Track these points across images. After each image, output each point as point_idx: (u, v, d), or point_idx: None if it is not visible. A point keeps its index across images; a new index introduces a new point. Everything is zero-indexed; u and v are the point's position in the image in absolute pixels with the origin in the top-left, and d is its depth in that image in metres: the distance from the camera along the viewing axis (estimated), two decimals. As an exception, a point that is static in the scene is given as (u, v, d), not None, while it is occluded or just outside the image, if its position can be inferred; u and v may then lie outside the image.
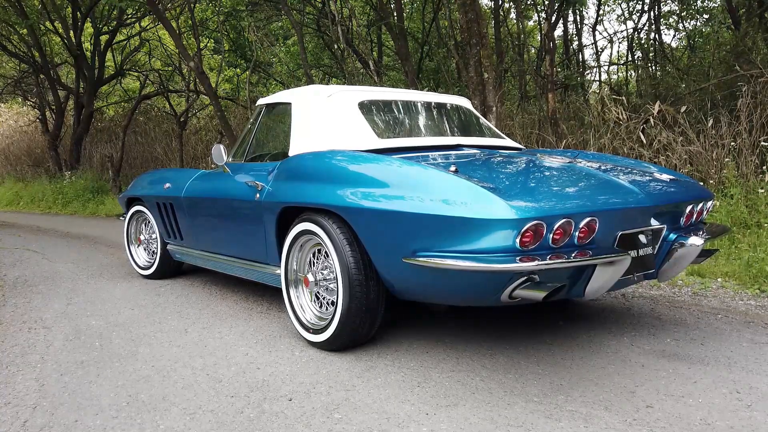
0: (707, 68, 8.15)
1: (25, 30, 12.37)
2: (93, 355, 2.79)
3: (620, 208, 2.33)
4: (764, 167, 5.23)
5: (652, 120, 6.04)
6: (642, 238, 2.48)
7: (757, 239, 4.29)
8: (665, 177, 2.86)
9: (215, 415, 2.12)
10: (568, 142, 6.65)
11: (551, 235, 2.11)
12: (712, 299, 3.43)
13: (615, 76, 13.22)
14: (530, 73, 11.12)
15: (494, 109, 6.54)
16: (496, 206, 2.07)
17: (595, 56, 13.06)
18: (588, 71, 12.15)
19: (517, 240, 2.05)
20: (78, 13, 12.12)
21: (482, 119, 3.82)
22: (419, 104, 3.56)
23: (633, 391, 2.21)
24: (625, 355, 2.58)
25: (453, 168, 2.36)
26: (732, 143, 5.45)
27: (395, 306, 3.40)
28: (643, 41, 11.55)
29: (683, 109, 5.90)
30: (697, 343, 2.70)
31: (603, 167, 2.84)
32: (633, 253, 2.40)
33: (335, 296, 2.64)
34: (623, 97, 6.81)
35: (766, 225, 4.47)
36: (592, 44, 15.41)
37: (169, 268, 4.40)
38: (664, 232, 2.57)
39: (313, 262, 2.86)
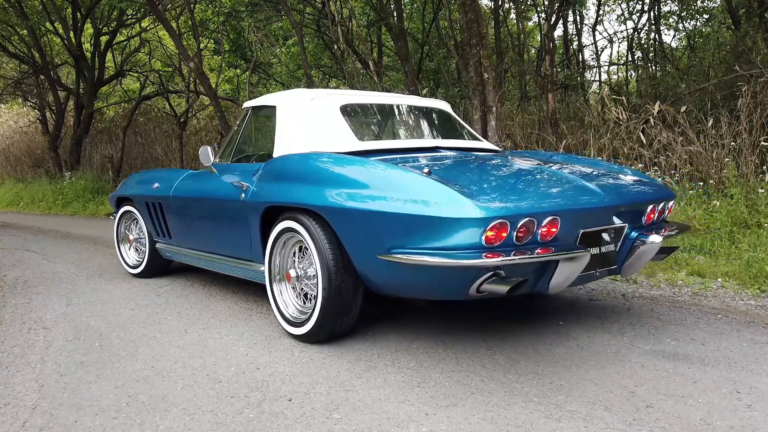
0: (707, 68, 8.15)
1: (25, 31, 12.37)
2: (93, 355, 2.79)
3: (581, 208, 2.47)
4: (764, 167, 5.22)
5: (652, 120, 6.04)
6: (605, 236, 2.62)
7: (758, 239, 4.29)
8: (629, 178, 3.01)
9: (215, 415, 2.12)
10: (568, 142, 6.65)
11: (515, 233, 2.25)
12: (712, 299, 3.43)
13: (615, 76, 13.22)
14: (530, 74, 11.11)
15: (494, 109, 6.54)
16: (464, 206, 2.20)
17: (595, 56, 13.06)
18: (588, 71, 12.15)
19: (483, 237, 2.19)
20: (78, 13, 12.13)
21: (462, 122, 3.91)
22: (400, 108, 3.69)
23: (633, 391, 2.21)
24: (625, 355, 2.57)
25: (426, 170, 2.50)
26: (732, 143, 5.45)
27: (395, 306, 3.40)
28: (643, 41, 11.55)
29: (683, 109, 5.90)
30: (698, 343, 2.70)
31: (570, 169, 2.98)
32: (595, 250, 2.56)
33: (315, 291, 2.74)
34: (623, 97, 6.81)
35: (766, 225, 4.47)
36: (592, 44, 15.43)
37: (157, 267, 4.47)
38: (625, 230, 2.71)
39: (295, 259, 2.96)
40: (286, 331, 2.95)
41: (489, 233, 2.19)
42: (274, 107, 3.39)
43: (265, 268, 3.07)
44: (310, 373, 2.47)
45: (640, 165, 5.92)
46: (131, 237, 4.64)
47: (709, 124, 5.64)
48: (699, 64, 8.96)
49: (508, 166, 2.97)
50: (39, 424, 2.10)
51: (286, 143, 3.19)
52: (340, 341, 2.84)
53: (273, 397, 2.26)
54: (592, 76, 12.08)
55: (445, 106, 3.93)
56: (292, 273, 2.94)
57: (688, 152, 5.70)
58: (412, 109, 3.74)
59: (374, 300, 3.51)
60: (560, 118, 7.55)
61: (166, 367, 2.60)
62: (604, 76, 12.67)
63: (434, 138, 3.58)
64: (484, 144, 3.66)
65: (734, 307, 3.26)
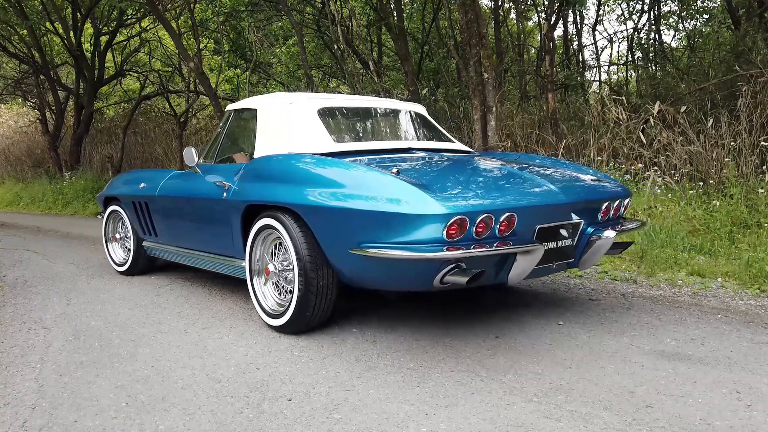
0: (707, 68, 8.15)
1: (25, 31, 12.36)
2: (92, 355, 2.79)
3: (537, 205, 2.65)
4: (764, 167, 5.22)
5: (652, 120, 6.04)
6: (563, 231, 2.81)
7: (757, 239, 4.29)
8: (588, 178, 3.20)
9: (214, 415, 2.12)
10: (568, 142, 6.65)
11: (474, 228, 2.43)
12: (712, 299, 3.42)
13: (615, 76, 13.22)
14: (530, 74, 11.12)
15: (494, 109, 6.54)
16: (427, 204, 2.38)
17: (595, 56, 13.06)
18: (588, 71, 12.15)
19: (444, 232, 2.37)
20: (78, 13, 12.12)
21: (436, 125, 4.08)
22: (376, 111, 3.89)
23: (633, 391, 2.21)
24: (625, 354, 2.57)
25: (395, 170, 2.67)
26: (732, 143, 5.44)
27: (395, 306, 3.40)
28: (643, 41, 11.55)
29: (683, 109, 5.90)
30: (697, 343, 2.70)
31: (532, 169, 3.17)
32: (552, 244, 2.75)
33: (292, 284, 2.88)
34: (623, 97, 6.81)
35: (766, 225, 4.47)
36: (592, 44, 15.43)
37: (142, 265, 4.58)
38: (582, 226, 2.88)
39: (274, 255, 3.12)
40: (266, 323, 3.10)
41: (450, 228, 2.37)
42: (255, 110, 3.55)
43: (246, 263, 3.21)
44: (310, 373, 2.47)
45: (640, 165, 5.92)
46: (118, 236, 4.78)
47: (709, 124, 5.64)
48: (699, 64, 8.96)
49: (473, 166, 3.16)
50: (39, 424, 2.09)
51: (266, 145, 3.35)
52: (340, 341, 2.85)
53: (273, 397, 2.25)
54: (592, 76, 12.09)
55: (420, 109, 4.10)
56: (271, 267, 3.09)
57: (688, 152, 5.70)
58: (387, 112, 3.95)
59: (373, 299, 3.52)
60: (560, 118, 7.55)
61: (165, 367, 2.60)
62: (604, 76, 12.68)
63: (408, 140, 3.76)
64: (456, 145, 3.82)
65: (734, 307, 3.26)
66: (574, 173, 3.27)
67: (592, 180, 3.16)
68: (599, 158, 6.23)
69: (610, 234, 2.88)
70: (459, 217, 2.37)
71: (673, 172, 5.70)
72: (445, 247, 2.36)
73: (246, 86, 12.07)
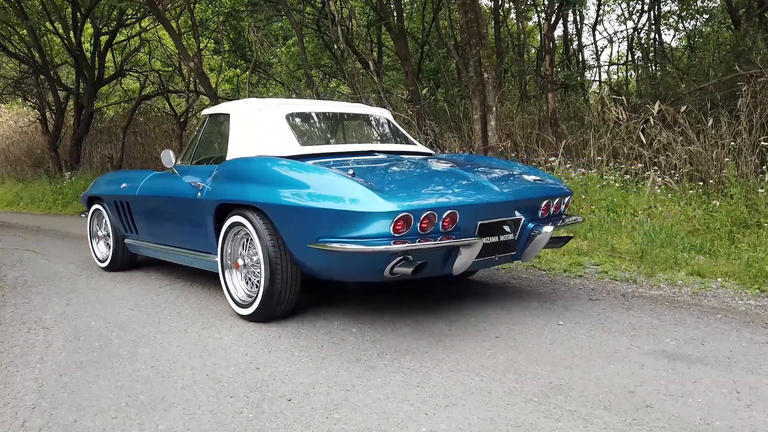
0: (707, 68, 8.15)
1: (25, 31, 12.36)
2: (92, 355, 2.79)
3: (477, 203, 2.88)
4: (764, 167, 5.22)
5: (652, 120, 6.04)
6: (505, 227, 3.05)
7: (757, 239, 4.29)
8: (532, 178, 3.44)
9: (214, 415, 2.12)
10: (568, 142, 6.65)
11: (419, 224, 2.67)
12: (711, 299, 3.42)
13: (615, 76, 13.22)
14: (530, 73, 11.12)
15: (494, 109, 6.54)
16: (375, 202, 2.62)
17: (595, 56, 13.06)
18: (588, 71, 12.15)
19: (391, 228, 2.62)
20: (78, 13, 12.12)
21: (400, 128, 4.32)
22: (343, 115, 4.16)
23: (632, 390, 2.21)
24: (625, 354, 2.57)
25: (351, 172, 2.87)
26: (732, 143, 5.45)
27: (395, 306, 3.40)
28: (643, 41, 11.55)
29: (683, 109, 5.90)
30: (697, 343, 2.70)
31: (480, 170, 3.40)
32: (494, 239, 3.01)
33: (259, 276, 3.10)
34: (623, 97, 6.81)
35: (766, 225, 4.47)
36: (592, 44, 15.44)
37: (123, 261, 4.81)
38: (522, 222, 3.12)
39: (243, 250, 3.34)
40: (236, 312, 3.31)
41: (397, 224, 2.61)
42: (228, 115, 3.77)
43: (218, 258, 3.43)
44: (309, 373, 2.47)
45: (640, 165, 5.92)
46: (101, 233, 4.98)
47: (709, 124, 5.64)
48: (699, 64, 8.96)
49: (425, 168, 3.38)
50: (38, 424, 2.09)
51: (237, 147, 3.56)
52: (340, 341, 2.85)
53: (272, 397, 2.26)
54: (592, 76, 12.09)
55: (385, 113, 4.33)
56: (240, 262, 3.32)
57: (688, 152, 5.70)
58: (353, 116, 4.20)
59: (374, 300, 3.52)
60: (560, 118, 7.55)
61: (165, 367, 2.60)
62: (604, 76, 12.68)
63: (371, 143, 4.04)
64: (418, 148, 4.04)
65: (734, 307, 3.26)
66: (519, 174, 3.52)
67: (534, 180, 3.40)
68: (599, 158, 6.23)
69: (548, 229, 3.13)
70: (404, 214, 2.61)
71: (673, 172, 5.70)
72: (392, 241, 2.60)
73: (246, 86, 12.08)
